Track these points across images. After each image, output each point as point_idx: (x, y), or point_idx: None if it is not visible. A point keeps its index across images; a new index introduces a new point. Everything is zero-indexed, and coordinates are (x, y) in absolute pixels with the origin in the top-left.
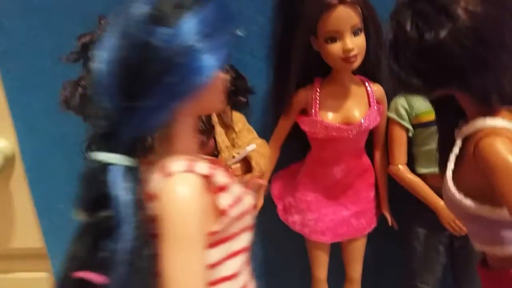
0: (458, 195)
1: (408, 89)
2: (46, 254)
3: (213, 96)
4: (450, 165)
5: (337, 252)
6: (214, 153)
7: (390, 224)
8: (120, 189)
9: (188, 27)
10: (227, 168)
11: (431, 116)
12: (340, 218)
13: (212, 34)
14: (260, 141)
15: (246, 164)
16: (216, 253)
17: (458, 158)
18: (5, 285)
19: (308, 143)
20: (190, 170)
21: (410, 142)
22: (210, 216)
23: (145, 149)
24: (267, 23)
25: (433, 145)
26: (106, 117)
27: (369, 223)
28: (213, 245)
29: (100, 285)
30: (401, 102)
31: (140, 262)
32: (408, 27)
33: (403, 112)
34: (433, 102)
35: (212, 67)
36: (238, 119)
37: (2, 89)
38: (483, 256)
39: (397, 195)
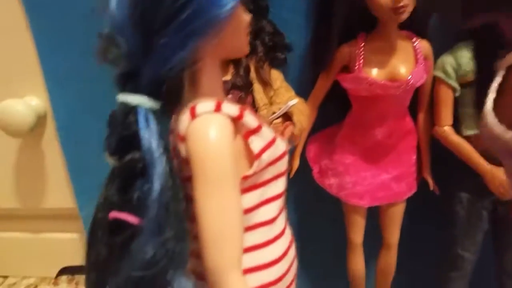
0: (499, 127)
1: (443, 12)
2: (77, 215)
3: (235, 35)
4: (491, 95)
5: (373, 216)
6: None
7: (431, 188)
8: (147, 130)
9: None
10: (255, 112)
11: None
12: (379, 182)
13: None
14: (299, 99)
15: (287, 120)
16: (250, 199)
17: (501, 90)
18: (36, 245)
19: (346, 105)
20: (218, 111)
21: (456, 102)
22: (242, 160)
23: (172, 92)
24: None
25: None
26: (126, 57)
27: (409, 188)
28: (246, 190)
29: (134, 226)
30: (448, 60)
31: (173, 204)
32: None
33: (451, 71)
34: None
35: (231, 1)
36: (277, 76)
37: (34, 47)
38: None
39: (438, 158)
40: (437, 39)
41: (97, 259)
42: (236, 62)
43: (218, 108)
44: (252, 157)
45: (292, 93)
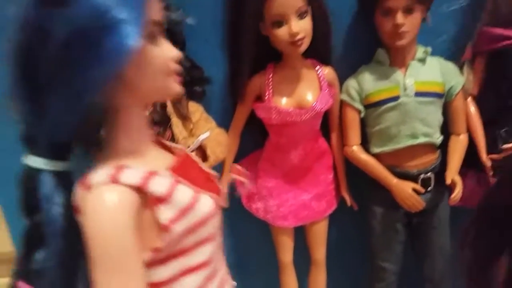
0: None
1: None
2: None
3: (146, 76)
4: None
5: (302, 235)
6: None
7: (349, 205)
8: (45, 198)
9: (87, 4)
10: (187, 159)
11: (380, 96)
12: (301, 202)
13: (116, 6)
14: (218, 130)
15: (202, 153)
16: (167, 270)
17: None
18: None
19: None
20: (114, 181)
21: (363, 123)
22: (150, 232)
23: (89, 146)
24: (221, 9)
25: (383, 124)
26: (22, 120)
27: (329, 205)
28: (161, 262)
29: None
30: (351, 84)
31: (70, 275)
32: None
33: (354, 94)
34: None
35: (128, 37)
36: (195, 109)
37: None
38: None
39: (355, 175)
40: (342, 64)
41: None
42: None
43: (114, 178)
44: (161, 228)
45: (213, 124)
